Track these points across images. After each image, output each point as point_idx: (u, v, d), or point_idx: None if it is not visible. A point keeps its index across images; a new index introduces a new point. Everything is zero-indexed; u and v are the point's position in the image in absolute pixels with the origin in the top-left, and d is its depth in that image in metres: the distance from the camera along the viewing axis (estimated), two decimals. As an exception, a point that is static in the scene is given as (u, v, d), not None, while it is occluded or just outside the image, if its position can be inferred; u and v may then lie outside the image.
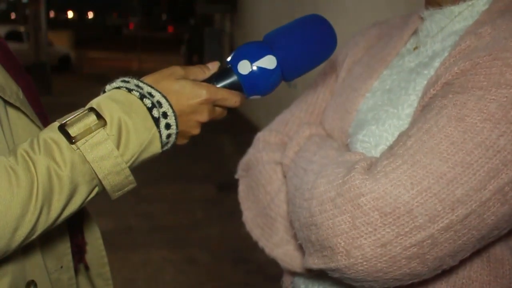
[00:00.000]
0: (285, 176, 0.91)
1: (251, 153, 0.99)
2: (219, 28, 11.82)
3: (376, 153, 0.79)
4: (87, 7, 47.64)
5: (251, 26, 8.52)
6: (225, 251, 3.60)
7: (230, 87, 0.77)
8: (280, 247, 0.90)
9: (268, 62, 0.77)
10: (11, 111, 0.78)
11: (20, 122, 0.79)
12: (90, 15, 49.81)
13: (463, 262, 0.73)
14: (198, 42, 12.41)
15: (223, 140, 6.89)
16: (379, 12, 3.46)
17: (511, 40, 0.69)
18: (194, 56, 12.89)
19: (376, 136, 0.80)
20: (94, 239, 0.98)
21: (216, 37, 11.40)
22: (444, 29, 0.84)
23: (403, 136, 0.72)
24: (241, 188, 0.99)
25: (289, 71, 0.79)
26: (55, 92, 9.82)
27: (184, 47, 13.80)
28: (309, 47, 0.79)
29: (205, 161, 5.87)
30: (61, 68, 13.95)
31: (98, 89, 0.75)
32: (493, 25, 0.74)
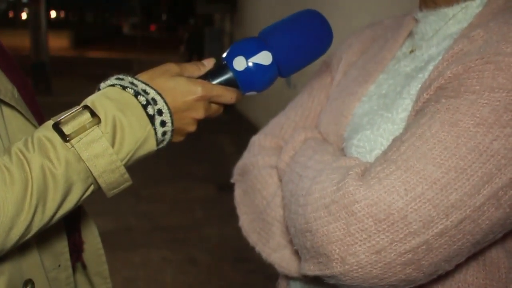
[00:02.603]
0: (280, 180, 0.90)
1: (247, 157, 0.98)
2: (219, 28, 11.80)
3: (371, 158, 0.79)
4: (87, 7, 47.58)
5: (251, 26, 8.51)
6: (225, 251, 3.59)
7: (225, 83, 0.77)
8: (276, 252, 0.89)
9: (264, 58, 0.76)
10: (6, 110, 0.78)
11: (15, 121, 0.79)
12: (89, 15, 49.74)
13: (459, 266, 0.73)
14: (198, 42, 12.38)
15: (223, 140, 6.87)
16: (376, 11, 3.45)
17: (503, 43, 0.68)
18: (193, 56, 12.87)
19: (370, 141, 0.80)
20: (92, 238, 0.97)
21: (216, 37, 11.38)
22: (439, 32, 0.84)
23: (396, 141, 0.71)
24: (237, 193, 0.99)
25: (285, 66, 0.78)
26: (55, 92, 9.81)
27: (183, 47, 13.79)
28: (305, 42, 0.79)
29: (205, 161, 5.86)
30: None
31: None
32: (485, 28, 0.73)
